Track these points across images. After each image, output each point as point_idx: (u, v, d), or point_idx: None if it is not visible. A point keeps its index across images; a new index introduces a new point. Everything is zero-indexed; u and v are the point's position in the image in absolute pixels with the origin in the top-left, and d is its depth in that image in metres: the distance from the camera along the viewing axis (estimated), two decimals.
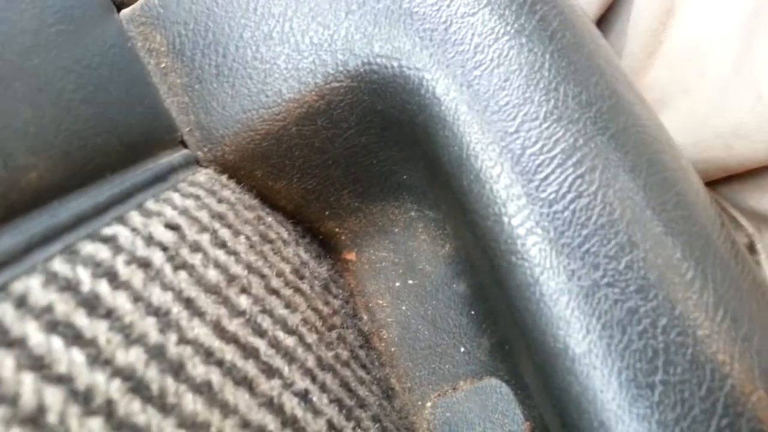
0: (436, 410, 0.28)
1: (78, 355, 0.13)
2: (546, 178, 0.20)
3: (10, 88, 0.16)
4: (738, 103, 0.33)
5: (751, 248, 0.38)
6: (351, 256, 0.30)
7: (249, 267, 0.21)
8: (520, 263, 0.20)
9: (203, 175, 0.23)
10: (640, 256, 0.19)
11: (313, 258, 0.27)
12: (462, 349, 0.28)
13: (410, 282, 0.29)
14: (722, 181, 0.38)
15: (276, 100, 0.23)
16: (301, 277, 0.25)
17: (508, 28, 0.22)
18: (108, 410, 0.13)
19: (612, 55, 0.23)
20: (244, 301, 0.20)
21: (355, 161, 0.26)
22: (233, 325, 0.19)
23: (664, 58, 0.36)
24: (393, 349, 0.29)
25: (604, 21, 0.38)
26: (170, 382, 0.15)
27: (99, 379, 0.13)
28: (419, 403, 0.28)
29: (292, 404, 0.19)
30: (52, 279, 0.14)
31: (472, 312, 0.28)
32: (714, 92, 0.34)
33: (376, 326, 0.29)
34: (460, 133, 0.21)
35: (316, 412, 0.20)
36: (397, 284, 0.29)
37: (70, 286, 0.14)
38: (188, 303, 0.17)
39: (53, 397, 0.12)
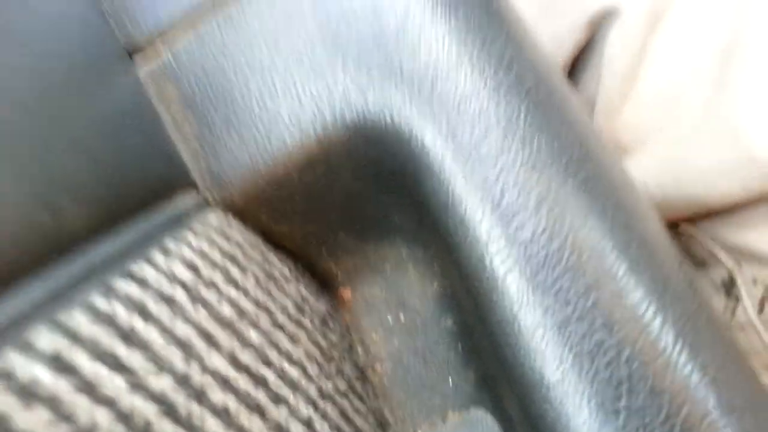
0: None
1: (120, 381, 0.15)
2: (523, 221, 0.23)
3: (52, 140, 0.19)
4: (716, 143, 0.34)
5: (731, 282, 0.39)
6: (346, 293, 0.32)
7: (257, 303, 0.23)
8: (500, 300, 0.22)
9: (214, 217, 0.25)
10: (606, 294, 0.21)
11: (312, 294, 0.29)
12: (450, 382, 0.30)
13: (401, 318, 0.31)
14: (701, 217, 0.39)
15: (280, 148, 0.26)
16: (303, 313, 0.27)
17: (488, 84, 0.24)
18: (146, 430, 0.15)
19: (580, 109, 0.26)
20: (253, 335, 0.22)
21: (352, 206, 0.29)
22: (245, 357, 0.21)
23: (638, 99, 0.37)
24: (386, 382, 0.31)
25: (578, 64, 0.41)
26: (195, 407, 0.17)
27: (138, 402, 0.15)
28: None
29: (297, 430, 0.21)
30: (94, 313, 0.16)
31: (459, 346, 0.30)
32: (690, 133, 0.36)
33: (370, 360, 0.31)
34: (445, 181, 0.24)
35: None
36: (389, 320, 0.31)
37: (109, 320, 0.16)
38: (207, 336, 0.19)
39: (103, 417, 0.14)
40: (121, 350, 0.16)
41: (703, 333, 0.21)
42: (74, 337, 0.15)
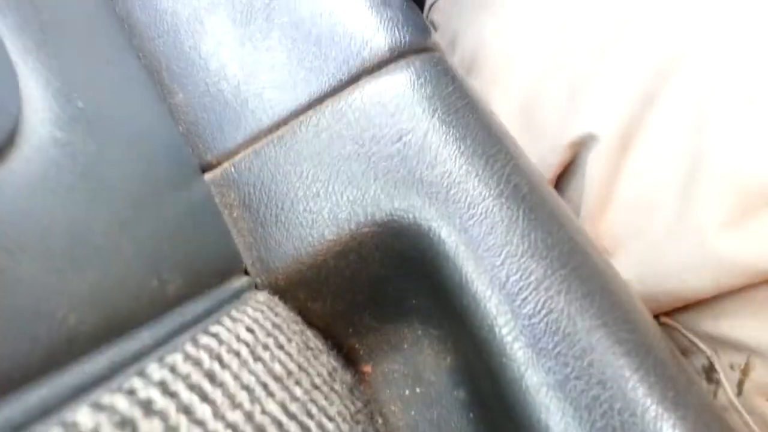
0: None
1: (207, 409, 0.19)
2: (525, 298, 0.27)
3: (157, 226, 0.24)
4: (684, 245, 0.39)
5: (711, 368, 0.42)
6: (367, 368, 0.36)
7: (299, 366, 0.27)
8: (509, 363, 0.27)
9: (262, 296, 0.30)
10: (598, 356, 0.26)
11: (341, 366, 0.33)
12: None
13: (417, 390, 0.35)
14: (680, 309, 0.43)
15: (319, 239, 0.31)
16: (334, 380, 0.30)
17: (492, 192, 0.30)
18: None
19: (567, 210, 0.32)
20: (298, 391, 0.26)
21: (376, 288, 0.33)
22: (293, 407, 0.24)
23: (616, 209, 0.43)
24: None
25: (562, 181, 0.47)
26: None
27: (219, 427, 0.19)
28: None
29: None
30: (187, 357, 0.20)
31: (471, 415, 0.33)
32: (663, 237, 0.40)
33: (389, 429, 0.34)
34: (459, 265, 0.29)
35: None
36: (407, 392, 0.35)
37: (197, 363, 0.21)
38: (264, 386, 0.23)
39: None
40: (206, 386, 0.20)
41: (683, 390, 0.25)
42: (175, 372, 0.19)
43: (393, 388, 0.35)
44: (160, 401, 0.18)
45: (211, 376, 0.21)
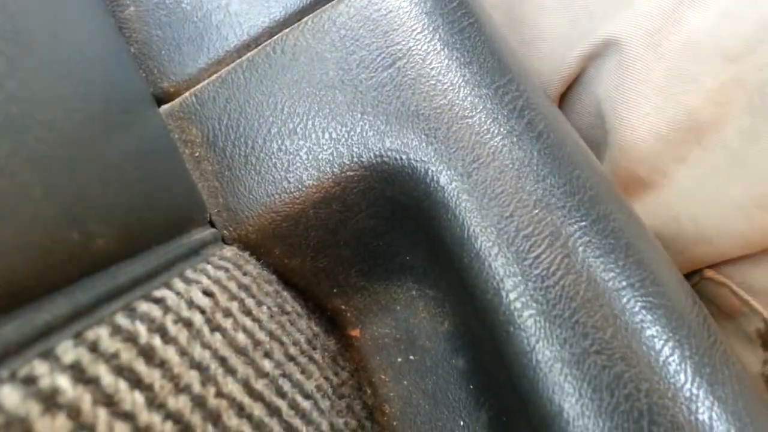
0: None
1: (139, 397, 0.15)
2: (538, 256, 0.23)
3: (85, 166, 0.19)
4: (752, 172, 0.32)
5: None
6: (355, 332, 0.32)
7: (271, 334, 0.23)
8: (517, 333, 0.22)
9: (229, 251, 0.26)
10: (623, 326, 0.21)
11: (323, 332, 0.29)
12: (461, 423, 0.29)
13: (411, 358, 0.31)
14: (732, 261, 0.35)
15: (297, 186, 0.26)
16: (314, 348, 0.26)
17: (501, 129, 0.25)
18: None
19: (588, 152, 0.27)
20: (267, 365, 0.22)
21: (364, 243, 0.29)
22: (259, 385, 0.20)
23: (652, 129, 0.34)
24: (395, 423, 0.30)
25: (562, 102, 0.39)
26: (210, 429, 0.17)
27: (156, 419, 0.15)
28: None
29: None
30: (117, 331, 0.16)
31: (471, 386, 0.29)
32: (721, 161, 0.33)
33: (378, 401, 0.31)
34: (461, 216, 0.24)
35: None
36: (399, 360, 0.31)
37: (131, 338, 0.16)
38: (223, 361, 0.19)
39: (121, 430, 0.14)
40: (141, 367, 0.16)
41: (719, 367, 0.21)
42: (97, 351, 0.15)
43: (383, 355, 0.32)
44: (69, 392, 0.14)
45: (148, 355, 0.16)
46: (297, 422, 0.21)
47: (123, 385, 0.15)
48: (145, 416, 0.15)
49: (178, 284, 0.20)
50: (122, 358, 0.15)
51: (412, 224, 0.27)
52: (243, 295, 0.23)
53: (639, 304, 0.22)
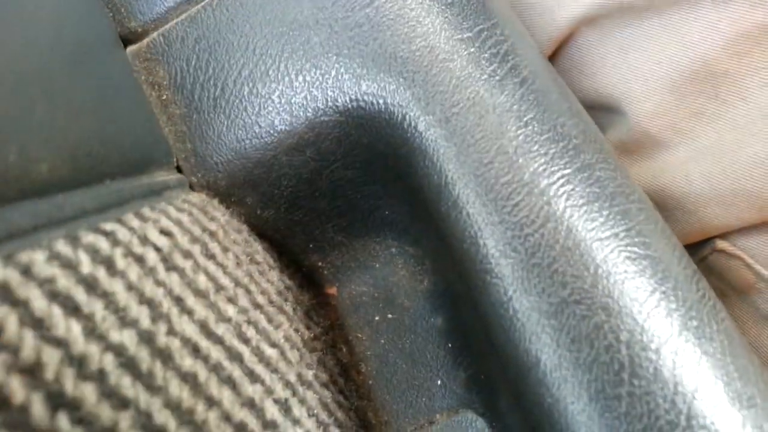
0: None
1: (75, 325, 0.14)
2: (517, 204, 0.22)
3: (29, 89, 0.18)
4: None
5: None
6: (332, 290, 0.31)
7: (236, 281, 0.22)
8: (495, 282, 0.21)
9: (196, 197, 0.24)
10: (604, 276, 0.20)
11: (296, 286, 0.28)
12: (439, 382, 0.28)
13: (389, 316, 0.30)
14: (748, 232, 0.33)
15: (269, 131, 0.25)
16: (285, 300, 0.25)
17: (483, 73, 0.24)
18: (100, 378, 0.14)
19: (577, 103, 0.26)
20: (230, 310, 0.20)
21: (341, 194, 0.28)
22: (220, 329, 0.19)
23: (667, 82, 0.32)
24: (371, 383, 0.29)
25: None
26: (159, 367, 0.16)
27: (93, 349, 0.14)
28: None
29: (273, 410, 0.19)
30: (55, 256, 0.15)
31: (449, 345, 0.28)
32: (743, 116, 0.30)
33: (354, 360, 0.30)
34: (439, 163, 0.23)
35: (296, 422, 0.20)
36: (377, 318, 0.30)
37: (71, 265, 0.15)
38: (178, 301, 0.18)
39: (50, 356, 0.13)
40: (80, 296, 0.15)
41: (708, 321, 0.20)
42: (29, 274, 0.14)
43: (361, 314, 0.31)
44: None
45: (89, 285, 0.15)
46: (260, 369, 0.20)
47: (57, 311, 0.14)
48: (81, 345, 0.14)
49: (132, 221, 0.19)
50: (58, 284, 0.14)
51: (391, 174, 0.26)
52: (207, 239, 0.22)
53: (623, 254, 0.21)
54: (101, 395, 0.13)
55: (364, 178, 0.27)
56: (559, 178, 0.22)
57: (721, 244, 0.34)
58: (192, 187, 0.26)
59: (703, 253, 0.35)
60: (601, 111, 0.35)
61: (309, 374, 0.23)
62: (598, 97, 0.35)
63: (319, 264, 0.31)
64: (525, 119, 0.23)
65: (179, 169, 0.26)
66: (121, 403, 0.14)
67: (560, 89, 0.26)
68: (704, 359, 0.19)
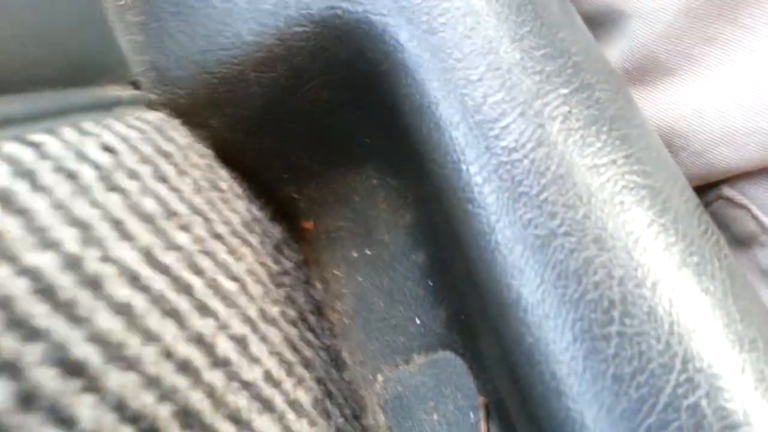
0: (388, 384, 0.26)
1: None
2: (507, 126, 0.19)
3: None
4: None
5: None
6: (308, 225, 0.29)
7: (192, 207, 0.20)
8: (477, 211, 0.19)
9: (153, 115, 0.22)
10: (598, 205, 0.18)
11: (267, 219, 0.26)
12: (417, 321, 0.27)
13: (367, 252, 0.28)
14: (756, 180, 0.30)
15: (234, 42, 0.22)
16: (251, 231, 0.23)
17: None
18: (4, 304, 0.12)
19: (578, 17, 0.23)
20: (182, 238, 0.18)
21: (317, 118, 0.25)
22: (167, 258, 0.17)
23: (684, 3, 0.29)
24: (347, 321, 0.28)
25: None
26: (84, 295, 0.14)
27: (2, 272, 0.12)
28: (370, 376, 0.27)
29: (225, 346, 0.18)
30: None
31: (430, 282, 0.27)
32: (764, 45, 0.27)
33: (330, 297, 0.28)
34: (421, 80, 0.21)
35: (253, 360, 0.19)
36: (354, 254, 0.28)
37: None
38: (117, 224, 0.16)
39: None
40: None
41: (710, 257, 0.18)
42: None
43: (338, 249, 0.29)
44: None
45: (3, 199, 0.13)
46: (214, 303, 0.18)
47: None
48: None
49: (68, 133, 0.17)
50: None
51: (371, 95, 0.24)
52: (160, 161, 0.20)
53: (620, 183, 0.19)
54: (6, 324, 0.11)
55: (342, 100, 0.25)
56: (554, 99, 0.20)
57: (728, 191, 0.31)
58: (151, 107, 0.23)
59: (708, 199, 0.32)
60: (602, 27, 0.32)
61: (274, 310, 0.22)
62: (599, 8, 0.31)
63: (294, 195, 0.29)
64: (520, 33, 0.21)
65: (136, 86, 0.23)
66: (29, 333, 0.12)
67: (560, 1, 0.23)
68: (704, 298, 0.18)
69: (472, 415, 0.25)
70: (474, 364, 0.25)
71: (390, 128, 0.25)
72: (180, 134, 0.23)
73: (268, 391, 0.19)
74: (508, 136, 0.19)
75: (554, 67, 0.20)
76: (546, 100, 0.20)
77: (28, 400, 0.11)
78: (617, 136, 0.20)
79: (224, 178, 0.24)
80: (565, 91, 0.20)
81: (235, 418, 0.16)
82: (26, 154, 0.15)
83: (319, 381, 0.23)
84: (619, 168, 0.19)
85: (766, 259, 0.31)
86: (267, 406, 0.18)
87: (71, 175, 0.16)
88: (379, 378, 0.27)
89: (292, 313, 0.23)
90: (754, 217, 0.30)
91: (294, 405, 0.20)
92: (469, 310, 0.24)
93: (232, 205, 0.23)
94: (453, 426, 0.25)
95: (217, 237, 0.21)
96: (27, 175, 0.14)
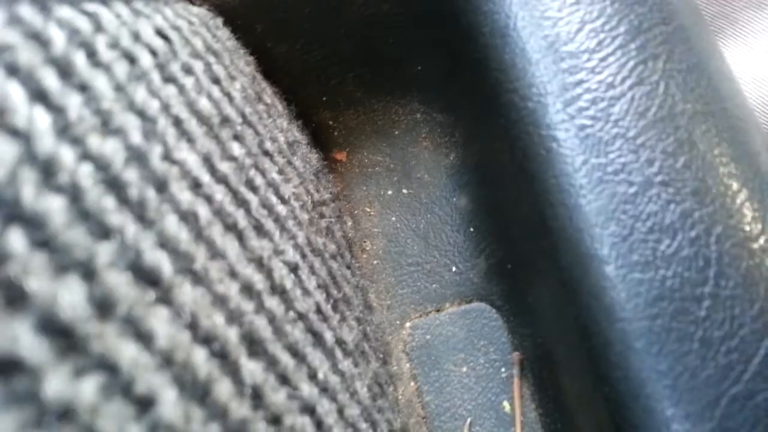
0: (415, 331, 0.25)
1: (42, 116, 0.10)
2: (605, 58, 0.18)
3: None
4: None
5: None
6: (341, 156, 0.27)
7: (243, 117, 0.18)
8: (561, 152, 0.17)
9: (197, 9, 0.19)
10: (699, 156, 0.17)
11: (305, 143, 0.24)
12: (453, 269, 0.25)
13: (404, 191, 0.26)
14: None
15: None
16: (294, 153, 0.21)
17: None
18: (73, 193, 0.10)
19: None
20: (237, 149, 0.16)
21: (370, 36, 0.23)
22: (225, 167, 0.15)
23: None
24: (375, 262, 0.26)
25: None
26: (152, 195, 0.12)
27: (65, 153, 0.10)
28: (398, 322, 0.25)
29: (281, 273, 0.16)
30: (15, 21, 0.10)
31: (471, 229, 0.25)
32: None
33: (359, 235, 0.26)
34: (500, 3, 0.18)
35: (305, 291, 0.17)
36: (390, 192, 0.26)
37: (38, 39, 0.11)
38: (177, 121, 0.14)
39: (4, 151, 0.09)
40: (50, 80, 0.10)
41: None
42: None
43: (372, 185, 0.27)
44: None
45: (62, 69, 0.11)
46: (270, 224, 0.16)
47: (16, 91, 0.09)
48: (49, 143, 0.10)
49: (122, 8, 0.14)
50: (18, 56, 0.10)
51: (438, 12, 0.21)
52: (211, 59, 0.17)
53: (722, 134, 0.17)
54: (73, 216, 0.09)
55: (401, 17, 0.22)
56: (657, 35, 0.18)
57: None
58: (192, 2, 0.21)
59: None
60: None
61: (318, 241, 0.20)
62: None
63: (331, 122, 0.26)
64: None
65: None
66: (101, 230, 0.10)
67: None
68: None
69: (504, 371, 0.24)
70: (511, 317, 0.24)
71: (450, 52, 0.23)
72: (225, 34, 0.20)
73: (318, 325, 0.17)
74: (606, 69, 0.17)
75: (655, 2, 0.18)
76: (649, 35, 0.18)
77: (103, 307, 0.09)
78: (717, 86, 0.18)
79: (267, 91, 0.22)
80: (668, 27, 0.18)
81: (293, 350, 0.15)
82: (82, 22, 0.12)
83: (359, 321, 0.21)
84: (719, 119, 0.18)
85: None
86: (319, 340, 0.16)
87: (129, 56, 0.13)
88: (407, 324, 0.25)
89: (332, 246, 0.21)
90: None
91: (341, 343, 0.18)
92: (522, 260, 0.22)
93: (277, 122, 0.21)
94: (482, 379, 0.24)
95: (267, 154, 0.18)
96: (85, 45, 0.12)
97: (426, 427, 0.24)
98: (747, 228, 0.16)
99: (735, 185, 0.17)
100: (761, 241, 0.16)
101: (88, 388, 0.08)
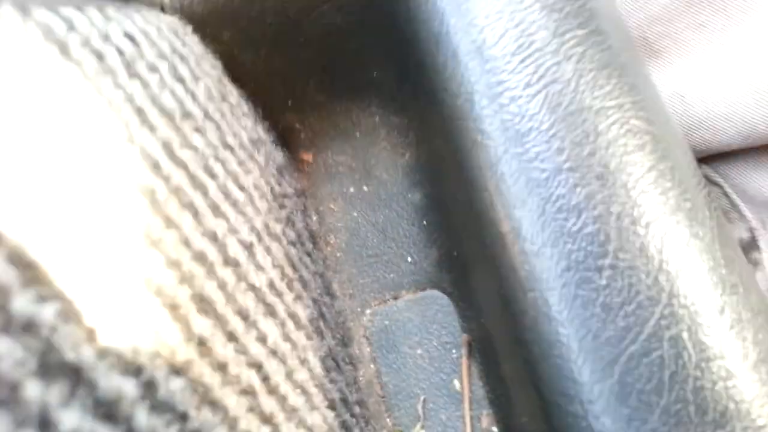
0: (375, 317, 0.27)
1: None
2: (523, 60, 0.20)
3: None
4: None
5: (752, 244, 0.32)
6: (307, 156, 0.29)
7: (206, 113, 0.20)
8: (485, 143, 0.20)
9: (168, 17, 0.22)
10: (604, 145, 0.19)
11: (270, 142, 0.26)
12: (409, 259, 0.27)
13: (365, 188, 0.29)
14: (732, 161, 0.31)
15: None
16: (257, 149, 0.23)
17: None
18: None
19: None
20: (197, 139, 0.19)
21: (328, 44, 0.25)
22: (184, 154, 0.17)
23: None
24: (339, 255, 0.28)
25: None
26: (113, 174, 0.14)
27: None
28: (359, 309, 0.27)
29: (236, 249, 0.18)
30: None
31: (424, 222, 0.27)
32: (748, 36, 0.28)
33: (324, 230, 0.28)
34: (442, 9, 0.21)
35: (259, 267, 0.19)
36: (351, 190, 0.29)
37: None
38: (139, 111, 0.16)
39: None
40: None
41: (701, 208, 0.19)
42: None
43: (336, 183, 0.29)
44: None
45: (34, 63, 0.13)
46: (226, 207, 0.18)
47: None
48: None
49: (94, 13, 0.17)
50: None
51: (387, 23, 0.24)
52: (177, 60, 0.20)
53: (626, 126, 0.20)
54: None
55: (356, 27, 0.25)
56: (572, 38, 0.20)
57: (704, 169, 0.32)
58: (164, 10, 0.23)
59: None
60: None
61: (277, 227, 0.22)
62: None
63: (297, 126, 0.29)
64: None
65: None
66: None
67: None
68: (693, 242, 0.18)
69: (454, 352, 0.26)
70: (460, 302, 0.26)
71: (399, 58, 0.25)
72: (192, 41, 0.22)
73: (271, 298, 0.19)
74: (524, 70, 0.20)
75: (573, 8, 0.21)
76: (563, 39, 0.20)
77: None
78: (626, 82, 0.20)
79: (233, 93, 0.24)
80: (582, 32, 0.20)
81: (244, 315, 0.17)
82: (56, 22, 0.15)
83: (314, 301, 0.23)
84: (626, 112, 0.20)
85: (734, 234, 0.32)
86: (270, 311, 0.19)
87: (98, 54, 0.15)
88: (367, 311, 0.27)
89: (292, 234, 0.23)
90: (726, 195, 0.32)
91: (293, 317, 0.20)
92: (463, 246, 0.24)
93: (241, 121, 0.23)
94: (435, 361, 0.26)
95: (228, 147, 0.21)
96: (58, 43, 0.14)
97: (384, 405, 0.26)
98: (644, 208, 0.18)
99: (636, 171, 0.19)
100: (659, 220, 0.18)
101: None
